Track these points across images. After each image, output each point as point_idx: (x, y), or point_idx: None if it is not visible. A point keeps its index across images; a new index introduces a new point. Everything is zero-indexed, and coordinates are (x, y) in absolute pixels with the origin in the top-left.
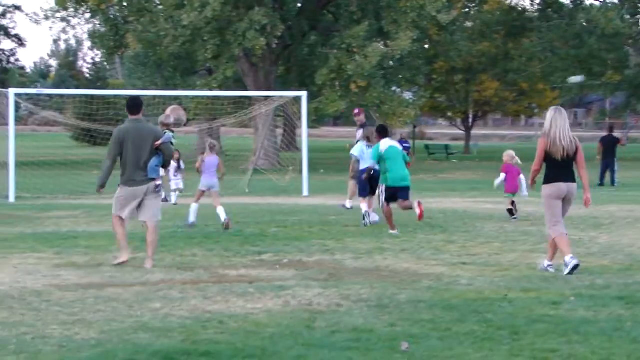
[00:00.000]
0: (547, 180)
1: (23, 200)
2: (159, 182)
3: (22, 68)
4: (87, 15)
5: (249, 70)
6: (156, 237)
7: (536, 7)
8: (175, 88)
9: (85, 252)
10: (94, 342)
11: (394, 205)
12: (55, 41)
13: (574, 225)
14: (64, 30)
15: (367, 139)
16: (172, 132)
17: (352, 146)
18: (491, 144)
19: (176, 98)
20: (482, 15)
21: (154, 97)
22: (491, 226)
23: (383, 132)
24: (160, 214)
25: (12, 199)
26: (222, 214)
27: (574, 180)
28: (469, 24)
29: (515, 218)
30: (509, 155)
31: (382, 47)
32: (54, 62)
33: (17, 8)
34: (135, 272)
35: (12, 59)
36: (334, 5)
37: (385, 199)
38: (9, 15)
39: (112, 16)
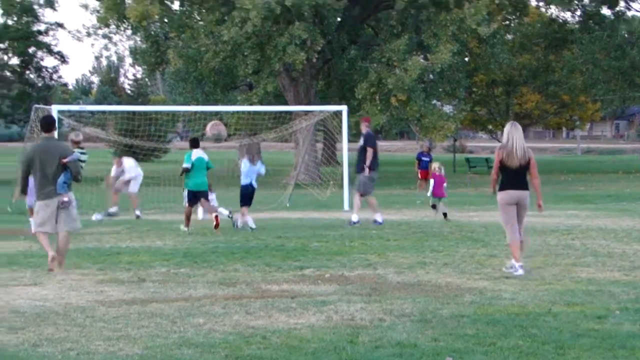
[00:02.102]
0: (502, 187)
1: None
2: (65, 199)
3: (65, 85)
4: (129, 32)
5: (289, 85)
6: (65, 246)
7: (577, 19)
8: (215, 103)
9: (128, 267)
10: (138, 357)
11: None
12: (97, 58)
13: (617, 239)
14: (105, 47)
15: (252, 157)
16: (82, 149)
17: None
18: None
19: (217, 113)
20: (522, 27)
21: (195, 112)
22: (533, 240)
23: (194, 144)
24: (78, 223)
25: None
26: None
27: (526, 188)
28: (509, 36)
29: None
30: (436, 165)
31: (422, 60)
32: (95, 79)
33: (60, 25)
34: (178, 288)
35: (54, 76)
36: (374, 19)
37: (188, 200)
38: (51, 33)
39: (153, 32)
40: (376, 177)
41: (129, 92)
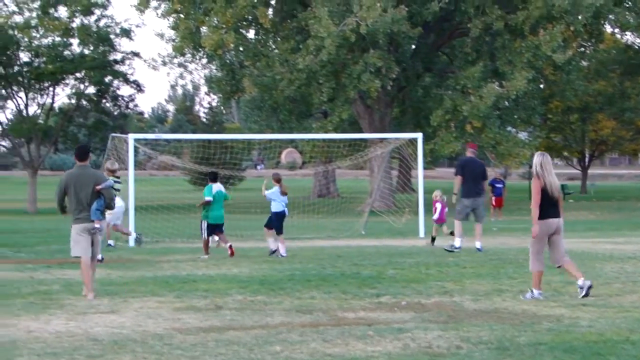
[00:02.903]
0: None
1: (143, 244)
2: (97, 225)
3: (141, 113)
4: (204, 61)
5: (364, 113)
6: (94, 271)
7: None
8: (290, 131)
9: (204, 295)
10: None
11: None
12: (173, 86)
13: None
14: (181, 76)
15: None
16: (117, 177)
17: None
18: (608, 184)
19: (292, 141)
20: (598, 54)
21: (270, 140)
22: (611, 267)
23: (214, 178)
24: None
25: (132, 243)
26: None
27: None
28: (584, 63)
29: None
30: (436, 193)
31: (497, 87)
32: (171, 107)
33: (136, 54)
34: (254, 315)
35: (130, 105)
36: (449, 47)
37: (208, 233)
38: (127, 62)
39: (228, 61)
40: (470, 204)
41: (204, 120)
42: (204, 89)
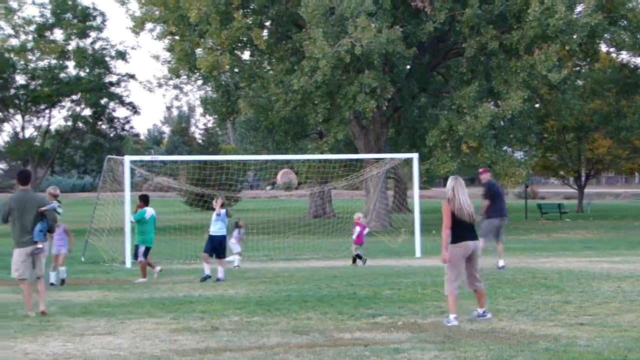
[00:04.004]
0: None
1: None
2: (40, 246)
3: (136, 135)
4: (199, 82)
5: (359, 133)
6: (43, 291)
7: None
8: (286, 152)
9: (201, 316)
10: None
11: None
12: (168, 108)
13: None
14: (176, 97)
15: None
16: (59, 202)
17: None
18: (605, 202)
19: (287, 162)
20: (593, 73)
21: (266, 161)
22: (608, 286)
23: (147, 201)
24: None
25: (128, 264)
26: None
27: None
28: (580, 82)
29: (358, 264)
30: (358, 215)
31: (492, 107)
32: (167, 129)
33: (131, 77)
34: (251, 336)
35: (126, 127)
36: (444, 67)
37: (144, 255)
38: (123, 84)
39: (223, 82)
40: (498, 223)
41: (200, 141)
42: (199, 110)
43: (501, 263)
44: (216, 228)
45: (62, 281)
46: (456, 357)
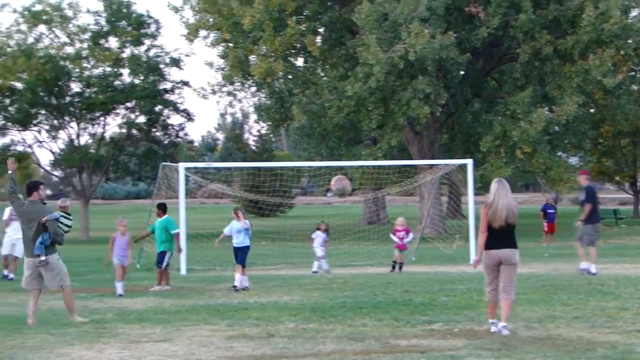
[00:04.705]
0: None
1: (194, 273)
2: (43, 258)
3: (191, 142)
4: (253, 89)
5: (413, 139)
6: (68, 299)
7: None
8: (340, 158)
9: (256, 323)
10: None
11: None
12: (222, 115)
13: None
14: (230, 104)
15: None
16: (67, 214)
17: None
18: None
19: (341, 168)
20: None
21: (319, 167)
22: None
23: (164, 210)
24: (66, 280)
25: (183, 271)
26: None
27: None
28: (635, 87)
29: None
30: (402, 220)
31: (547, 112)
32: (220, 135)
33: (185, 83)
34: (306, 343)
35: (180, 134)
36: (498, 72)
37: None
38: (177, 91)
39: (277, 89)
40: (599, 228)
41: (253, 148)
42: (253, 117)
43: (594, 269)
44: (240, 240)
45: (120, 295)
46: None
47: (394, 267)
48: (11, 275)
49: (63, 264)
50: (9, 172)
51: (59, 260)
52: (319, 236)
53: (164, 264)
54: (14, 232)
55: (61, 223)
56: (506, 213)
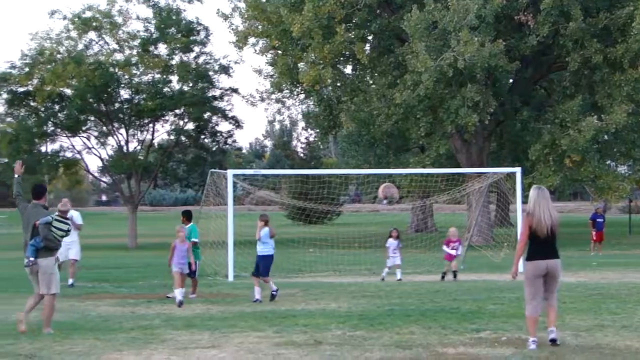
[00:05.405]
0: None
1: (242, 279)
2: (32, 259)
3: (239, 149)
4: (302, 96)
5: (461, 147)
6: (49, 308)
7: None
8: (388, 166)
9: (304, 330)
10: None
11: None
12: (270, 122)
13: None
14: (278, 111)
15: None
16: (65, 219)
17: None
18: None
19: (389, 176)
20: None
21: (367, 175)
22: None
23: (189, 217)
24: (53, 288)
25: (231, 277)
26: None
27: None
28: None
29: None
30: (455, 231)
31: (596, 121)
32: (268, 143)
33: (234, 91)
34: (354, 351)
35: (229, 141)
36: (547, 81)
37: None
38: (226, 98)
39: (325, 96)
40: None
41: (301, 155)
42: (301, 124)
43: None
44: (266, 248)
45: (180, 303)
46: None
47: (443, 277)
48: (70, 281)
49: (57, 271)
50: (16, 175)
51: (55, 266)
52: (392, 244)
53: (197, 273)
54: (68, 237)
55: (55, 227)
56: (550, 222)
